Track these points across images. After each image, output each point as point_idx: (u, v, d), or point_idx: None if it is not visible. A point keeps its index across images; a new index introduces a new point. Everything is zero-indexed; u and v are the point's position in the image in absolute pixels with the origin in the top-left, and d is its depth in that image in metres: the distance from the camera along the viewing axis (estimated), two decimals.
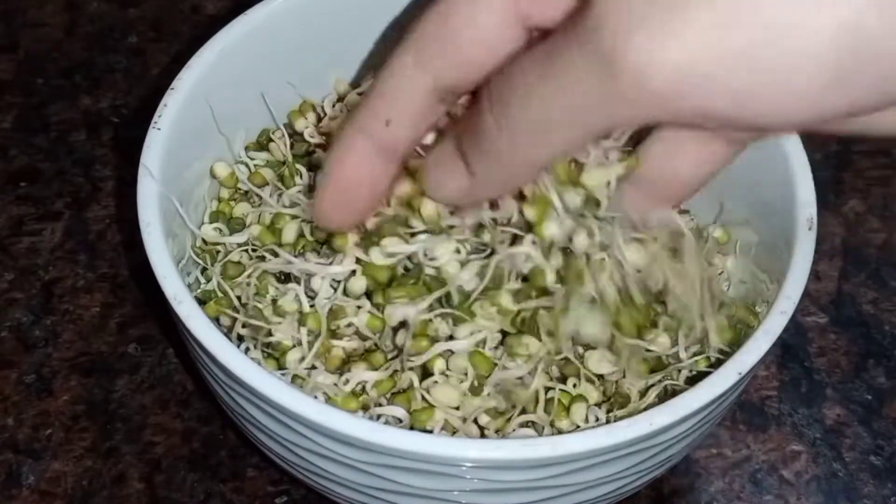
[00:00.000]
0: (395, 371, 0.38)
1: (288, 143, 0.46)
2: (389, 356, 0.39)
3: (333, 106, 0.47)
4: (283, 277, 0.41)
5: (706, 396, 0.35)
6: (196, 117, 0.42)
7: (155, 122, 0.40)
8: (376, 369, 0.39)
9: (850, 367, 0.50)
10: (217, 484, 0.45)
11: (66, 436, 0.46)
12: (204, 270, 0.42)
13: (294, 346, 0.39)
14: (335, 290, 0.39)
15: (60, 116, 0.57)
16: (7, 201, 0.54)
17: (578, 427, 0.38)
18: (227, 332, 0.39)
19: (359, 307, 0.39)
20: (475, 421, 0.39)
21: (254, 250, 0.42)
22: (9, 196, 0.54)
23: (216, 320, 0.40)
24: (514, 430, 0.38)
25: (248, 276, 0.40)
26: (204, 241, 0.42)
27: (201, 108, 0.42)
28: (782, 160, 0.41)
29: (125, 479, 0.45)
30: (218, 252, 0.42)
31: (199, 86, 0.42)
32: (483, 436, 0.39)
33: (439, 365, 0.38)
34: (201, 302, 0.40)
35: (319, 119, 0.47)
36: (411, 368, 0.38)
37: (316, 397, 0.37)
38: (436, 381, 0.38)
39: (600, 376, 0.39)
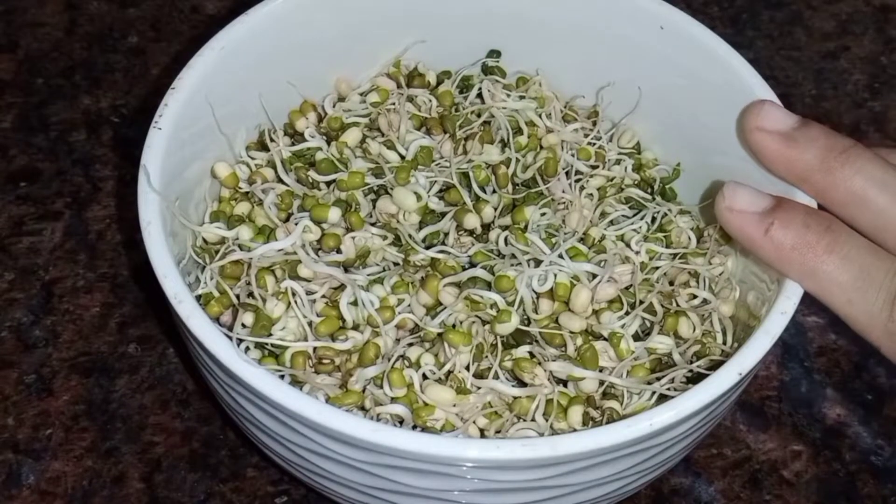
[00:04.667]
0: (395, 369, 0.39)
1: (288, 142, 0.46)
2: (383, 352, 0.39)
3: (334, 106, 0.47)
4: (281, 276, 0.41)
5: (706, 397, 0.35)
6: (197, 117, 0.42)
7: (156, 122, 0.40)
8: (374, 363, 0.39)
9: (850, 367, 0.50)
10: (217, 484, 0.45)
11: (66, 436, 0.46)
12: (204, 269, 0.42)
13: (294, 343, 0.39)
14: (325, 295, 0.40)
15: (60, 116, 0.57)
16: (7, 201, 0.54)
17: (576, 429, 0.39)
18: (228, 332, 0.39)
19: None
20: (474, 423, 0.39)
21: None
22: (9, 196, 0.54)
23: (216, 320, 0.40)
24: (514, 431, 0.38)
25: (247, 275, 0.40)
26: (205, 240, 0.42)
27: (202, 107, 0.42)
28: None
29: (125, 479, 0.45)
30: (217, 252, 0.42)
31: (200, 85, 0.42)
32: (483, 437, 0.39)
33: (426, 359, 0.39)
34: (202, 301, 0.40)
35: (320, 119, 0.47)
36: (402, 356, 0.39)
37: (316, 397, 0.37)
38: (427, 379, 0.39)
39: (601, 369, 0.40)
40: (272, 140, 0.45)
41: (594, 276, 0.41)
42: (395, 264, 0.42)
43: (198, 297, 0.40)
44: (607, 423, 0.37)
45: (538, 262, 0.41)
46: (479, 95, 0.47)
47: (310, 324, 0.39)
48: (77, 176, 0.55)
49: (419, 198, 0.43)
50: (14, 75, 0.59)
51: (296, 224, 0.41)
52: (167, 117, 0.41)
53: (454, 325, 0.40)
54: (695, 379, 0.39)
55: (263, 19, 0.44)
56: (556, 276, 0.40)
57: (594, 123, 0.47)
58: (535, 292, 0.40)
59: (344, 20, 0.46)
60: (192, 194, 0.43)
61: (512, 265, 0.41)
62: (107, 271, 0.52)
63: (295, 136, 0.46)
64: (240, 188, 0.44)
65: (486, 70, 0.48)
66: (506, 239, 0.42)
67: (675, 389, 0.39)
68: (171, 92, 0.41)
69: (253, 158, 0.45)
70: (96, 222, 0.53)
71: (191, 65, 0.42)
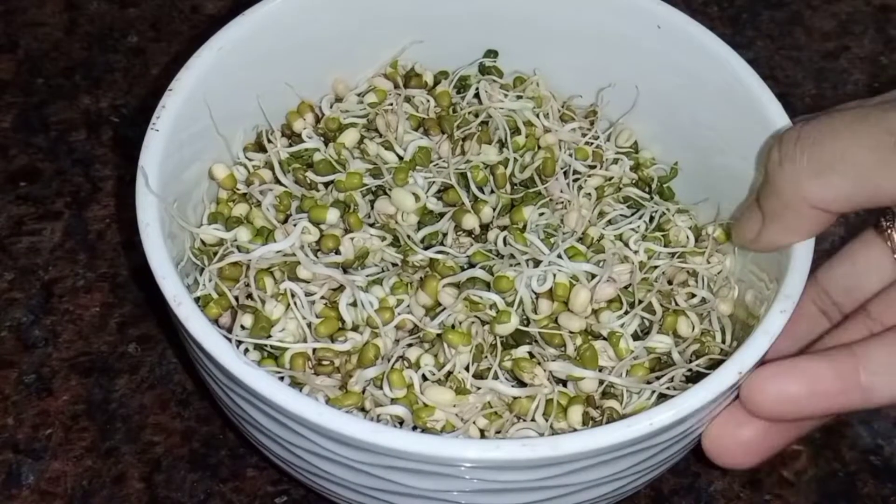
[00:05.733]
0: (395, 370, 0.39)
1: (286, 143, 0.46)
2: (382, 353, 0.39)
3: (331, 106, 0.47)
4: (280, 278, 0.41)
5: (706, 396, 0.35)
6: (194, 118, 0.42)
7: (153, 124, 0.40)
8: (373, 364, 0.39)
9: None
10: (217, 484, 0.45)
11: (66, 436, 0.46)
12: (203, 271, 0.42)
13: (294, 344, 0.39)
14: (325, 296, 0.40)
15: (60, 116, 0.57)
16: (7, 201, 0.54)
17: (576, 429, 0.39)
18: (226, 333, 0.39)
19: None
20: (474, 423, 0.39)
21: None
22: (9, 196, 0.54)
23: (215, 322, 0.40)
24: (514, 431, 0.38)
25: (246, 276, 0.40)
26: (203, 242, 0.42)
27: (200, 109, 0.42)
28: None
29: (125, 479, 0.45)
30: (215, 253, 0.42)
31: (198, 87, 0.42)
32: (483, 437, 0.39)
33: (425, 359, 0.39)
34: (200, 303, 0.40)
35: (318, 119, 0.47)
36: (401, 357, 0.39)
37: (316, 398, 0.37)
38: (427, 380, 0.39)
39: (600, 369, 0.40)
40: (270, 141, 0.45)
41: (593, 275, 0.41)
42: (394, 265, 0.42)
43: (196, 299, 0.40)
44: (607, 422, 0.37)
45: (537, 263, 0.41)
46: (477, 96, 0.47)
47: (309, 325, 0.39)
48: (77, 176, 0.55)
49: (417, 198, 0.43)
50: (14, 75, 0.59)
51: (294, 225, 0.41)
52: (165, 119, 0.41)
53: (453, 326, 0.40)
54: (694, 378, 0.39)
55: (261, 20, 0.44)
56: (555, 276, 0.40)
57: (592, 123, 0.47)
58: (535, 292, 0.40)
59: (341, 21, 0.46)
60: (191, 196, 0.43)
61: (511, 265, 0.41)
62: (107, 271, 0.52)
63: (292, 137, 0.46)
64: (238, 189, 0.44)
65: (484, 70, 0.48)
66: (504, 239, 0.42)
67: (675, 389, 0.39)
68: (168, 93, 0.41)
69: (251, 160, 0.45)
70: (96, 222, 0.53)
71: (188, 65, 0.42)
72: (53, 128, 0.57)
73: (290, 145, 0.45)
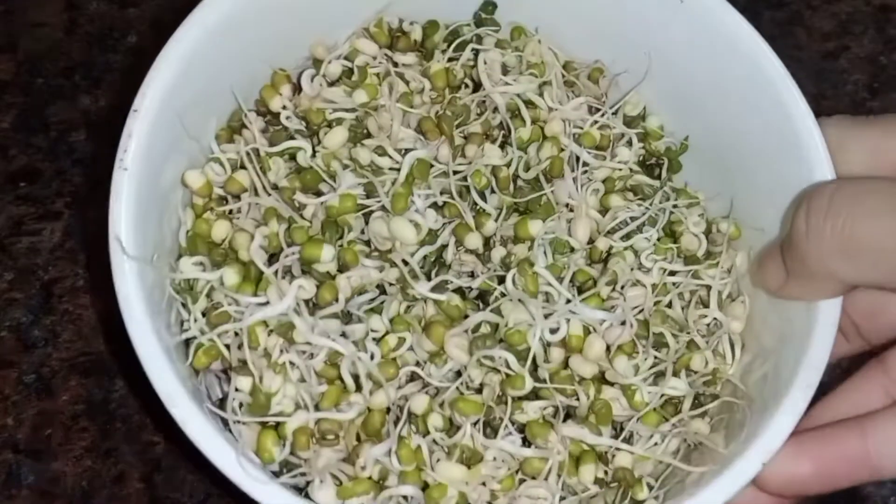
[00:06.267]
0: (402, 438, 0.37)
1: (262, 124, 0.42)
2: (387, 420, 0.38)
3: (312, 80, 0.42)
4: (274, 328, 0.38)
5: (729, 489, 0.35)
6: (164, 136, 0.39)
7: (121, 160, 0.38)
8: (378, 436, 0.37)
9: (850, 366, 0.50)
10: (217, 484, 0.45)
11: (66, 436, 0.46)
12: (184, 305, 0.39)
13: (295, 414, 0.37)
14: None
15: (60, 116, 0.57)
16: (7, 201, 0.54)
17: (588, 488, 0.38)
18: (224, 413, 0.37)
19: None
20: (483, 483, 0.38)
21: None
22: (9, 196, 0.54)
23: (206, 368, 0.38)
24: (524, 490, 0.38)
25: (236, 328, 0.37)
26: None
27: (169, 122, 0.39)
28: (806, 169, 0.40)
29: (125, 478, 0.45)
30: (199, 291, 0.39)
31: (162, 109, 0.39)
32: (493, 497, 0.38)
33: (433, 420, 0.38)
34: (189, 344, 0.38)
35: (295, 91, 0.43)
36: (411, 422, 0.37)
37: (323, 480, 0.36)
38: (438, 459, 0.37)
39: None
40: (245, 127, 0.41)
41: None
42: (391, 284, 0.40)
43: (186, 341, 0.38)
44: (617, 486, 0.38)
45: (547, 296, 0.39)
46: (474, 66, 0.43)
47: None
48: (77, 176, 0.55)
49: (418, 228, 0.40)
50: (14, 75, 0.59)
51: (285, 276, 0.38)
52: (134, 153, 0.38)
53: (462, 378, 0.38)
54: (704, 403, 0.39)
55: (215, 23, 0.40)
56: (568, 321, 0.39)
57: (599, 99, 0.45)
58: (547, 341, 0.39)
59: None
60: (166, 208, 0.40)
61: (520, 299, 0.39)
62: (106, 271, 0.51)
63: (269, 116, 0.42)
64: (213, 196, 0.41)
65: (480, 24, 0.45)
66: (514, 279, 0.39)
67: (684, 425, 0.39)
68: (133, 115, 0.38)
69: (224, 152, 0.41)
70: (96, 222, 0.53)
71: (151, 77, 0.39)
72: (53, 128, 0.57)
73: (267, 126, 0.42)
